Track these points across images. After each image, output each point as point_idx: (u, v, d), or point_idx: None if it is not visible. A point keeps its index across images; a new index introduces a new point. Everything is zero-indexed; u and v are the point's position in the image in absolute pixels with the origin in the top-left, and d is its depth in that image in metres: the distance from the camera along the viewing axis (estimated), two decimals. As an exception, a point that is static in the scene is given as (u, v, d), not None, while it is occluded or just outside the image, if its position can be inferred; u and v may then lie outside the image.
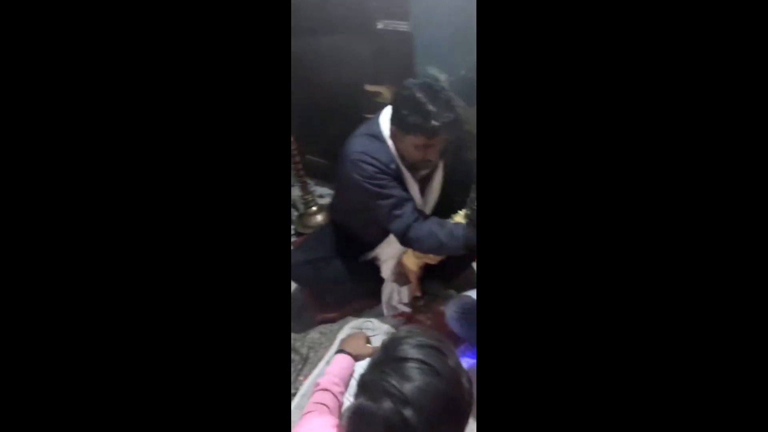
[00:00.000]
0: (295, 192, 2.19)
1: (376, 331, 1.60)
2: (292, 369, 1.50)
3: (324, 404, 1.06)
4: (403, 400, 0.64)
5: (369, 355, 1.17)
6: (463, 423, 0.70)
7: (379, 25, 1.73)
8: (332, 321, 1.67)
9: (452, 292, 1.66)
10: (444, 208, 1.43)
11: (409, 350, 0.70)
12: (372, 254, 1.61)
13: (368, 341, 1.34)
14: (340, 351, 1.28)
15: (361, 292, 1.66)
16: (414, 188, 1.40)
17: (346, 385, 1.17)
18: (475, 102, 1.64)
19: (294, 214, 2.21)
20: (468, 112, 1.54)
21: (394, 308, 1.66)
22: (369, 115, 1.46)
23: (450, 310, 1.44)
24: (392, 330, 1.59)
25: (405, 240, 1.36)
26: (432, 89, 1.23)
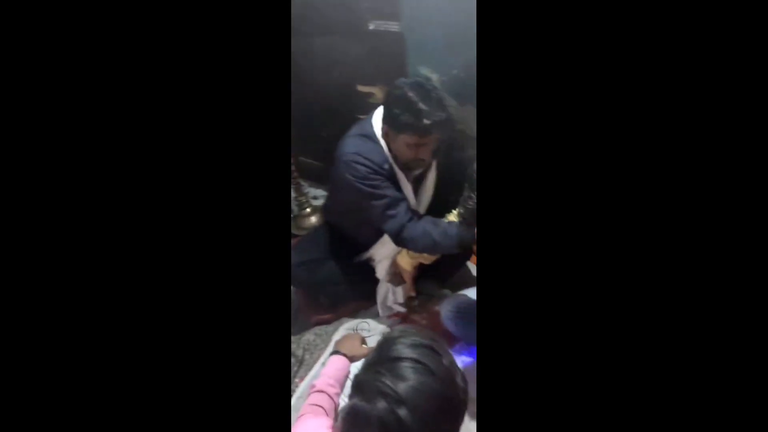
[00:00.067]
0: (289, 194, 2.19)
1: (372, 331, 1.59)
2: (288, 371, 1.50)
3: (320, 406, 1.05)
4: (397, 400, 0.64)
5: (364, 356, 1.17)
6: (458, 422, 0.70)
7: (371, 26, 1.72)
8: (327, 322, 1.66)
9: (447, 291, 1.66)
10: (437, 208, 1.43)
11: (403, 350, 0.70)
12: (366, 255, 1.61)
13: (364, 342, 1.33)
14: (335, 352, 1.27)
15: (355, 293, 1.66)
16: (407, 188, 1.40)
17: (342, 386, 1.17)
18: (466, 102, 1.65)
19: (288, 215, 2.20)
20: (459, 112, 1.54)
21: (390, 309, 1.65)
22: (362, 116, 1.46)
23: (445, 310, 1.44)
24: (388, 330, 1.59)
25: (399, 240, 1.36)
26: (423, 88, 1.23)
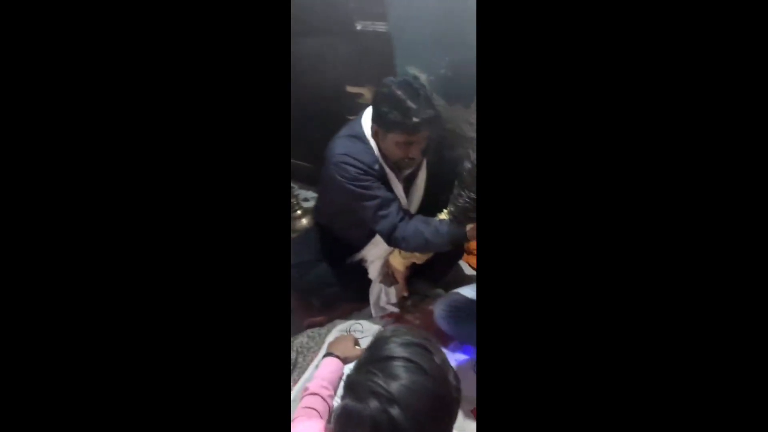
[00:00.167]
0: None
1: (365, 333, 1.59)
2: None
3: (313, 408, 1.05)
4: (389, 399, 0.64)
5: (358, 358, 1.16)
6: (451, 420, 0.70)
7: (358, 26, 1.72)
8: (320, 325, 1.65)
9: (440, 291, 1.66)
10: (429, 207, 1.43)
11: (395, 349, 0.69)
12: (359, 256, 1.60)
13: (357, 343, 1.33)
14: (328, 354, 1.26)
15: (348, 294, 1.65)
16: (398, 188, 1.40)
17: (336, 388, 1.16)
18: (454, 101, 1.65)
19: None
20: (448, 111, 1.54)
21: (383, 309, 1.65)
22: (351, 117, 1.45)
23: (438, 309, 1.43)
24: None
25: (391, 240, 1.36)
26: (411, 87, 1.23)
